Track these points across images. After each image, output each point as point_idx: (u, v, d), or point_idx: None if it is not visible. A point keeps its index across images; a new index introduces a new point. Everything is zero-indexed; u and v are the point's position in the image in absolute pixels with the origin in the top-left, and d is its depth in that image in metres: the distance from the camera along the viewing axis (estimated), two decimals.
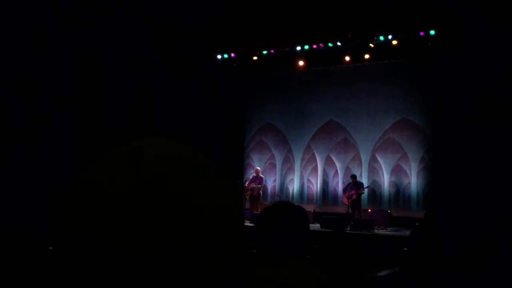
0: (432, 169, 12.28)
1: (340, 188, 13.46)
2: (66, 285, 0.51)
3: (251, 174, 13.20)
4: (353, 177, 11.99)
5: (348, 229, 10.70)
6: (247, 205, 12.38)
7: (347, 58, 13.08)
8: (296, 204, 1.92)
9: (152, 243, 0.49)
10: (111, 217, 0.49)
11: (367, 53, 12.81)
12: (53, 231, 0.53)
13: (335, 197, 13.59)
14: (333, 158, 13.74)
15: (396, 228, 10.99)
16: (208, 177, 0.55)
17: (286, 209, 1.72)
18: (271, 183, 14.46)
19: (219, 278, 0.51)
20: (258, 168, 13.46)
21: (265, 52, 13.69)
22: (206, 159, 0.57)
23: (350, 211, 11.82)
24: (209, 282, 0.50)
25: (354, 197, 11.63)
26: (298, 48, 13.29)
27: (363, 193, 11.89)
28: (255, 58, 13.91)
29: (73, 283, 0.50)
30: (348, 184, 12.00)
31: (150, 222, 0.49)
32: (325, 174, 13.84)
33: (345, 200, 11.88)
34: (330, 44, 12.98)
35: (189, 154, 0.56)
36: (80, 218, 0.51)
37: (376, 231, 10.50)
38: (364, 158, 13.27)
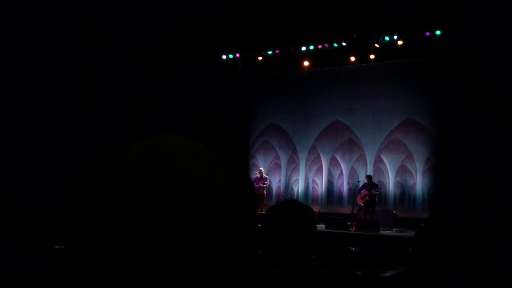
0: (438, 170, 12.22)
1: (345, 188, 13.43)
2: (75, 284, 0.51)
3: (255, 175, 13.20)
4: (368, 177, 11.92)
5: (352, 229, 10.69)
6: None
7: (353, 59, 13.04)
8: None
9: (165, 238, 0.49)
10: (124, 215, 0.50)
11: (372, 54, 12.77)
12: (63, 229, 0.54)
13: (340, 197, 13.56)
14: (338, 159, 13.71)
15: (401, 229, 10.95)
16: (222, 170, 0.55)
17: (292, 208, 1.71)
18: (276, 183, 14.45)
19: (233, 272, 0.51)
20: (262, 168, 13.46)
21: (270, 52, 13.67)
22: (217, 153, 0.57)
23: (355, 212, 11.79)
24: (223, 276, 0.51)
25: (367, 198, 11.57)
26: (303, 48, 13.27)
27: (377, 194, 11.75)
28: (260, 58, 13.90)
29: (83, 282, 0.50)
30: (364, 185, 11.95)
31: (163, 218, 0.50)
32: (330, 174, 13.81)
33: (359, 201, 11.82)
34: (335, 44, 12.95)
35: (201, 148, 0.56)
36: (92, 217, 0.51)
37: (381, 231, 10.47)
38: (369, 158, 13.24)
